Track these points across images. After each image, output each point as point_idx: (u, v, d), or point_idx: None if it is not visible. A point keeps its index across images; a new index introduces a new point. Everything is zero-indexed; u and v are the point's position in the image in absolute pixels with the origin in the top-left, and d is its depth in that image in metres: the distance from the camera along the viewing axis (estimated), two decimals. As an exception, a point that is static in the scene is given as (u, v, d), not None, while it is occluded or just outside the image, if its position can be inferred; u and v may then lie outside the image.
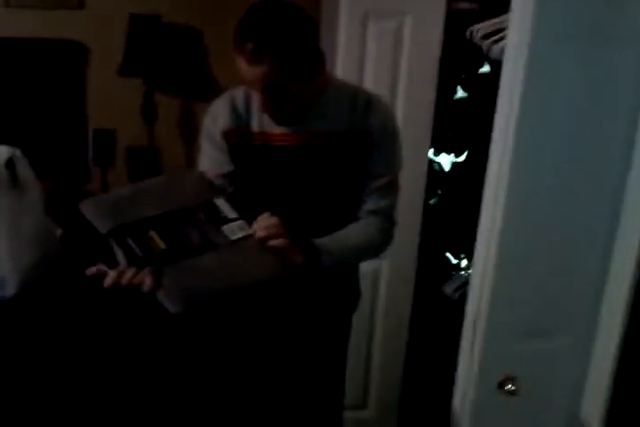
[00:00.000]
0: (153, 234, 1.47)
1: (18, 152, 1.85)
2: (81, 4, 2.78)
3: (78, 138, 2.83)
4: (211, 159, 1.79)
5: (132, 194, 1.58)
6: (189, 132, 2.86)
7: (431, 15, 2.32)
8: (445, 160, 2.67)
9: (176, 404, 1.95)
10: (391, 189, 1.79)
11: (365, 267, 1.98)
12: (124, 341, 1.89)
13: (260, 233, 1.53)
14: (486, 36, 2.21)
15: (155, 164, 2.93)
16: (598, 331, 1.61)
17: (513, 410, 1.58)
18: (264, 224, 1.55)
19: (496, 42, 2.15)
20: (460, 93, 2.56)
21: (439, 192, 2.70)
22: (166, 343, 1.93)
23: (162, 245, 1.46)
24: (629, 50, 1.42)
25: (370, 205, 1.76)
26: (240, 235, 1.52)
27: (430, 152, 2.53)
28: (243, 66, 1.58)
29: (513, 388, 1.52)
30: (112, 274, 1.41)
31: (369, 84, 2.28)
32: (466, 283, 2.18)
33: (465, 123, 2.52)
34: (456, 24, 2.37)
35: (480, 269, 1.57)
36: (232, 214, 1.55)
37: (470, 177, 2.42)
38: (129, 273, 1.41)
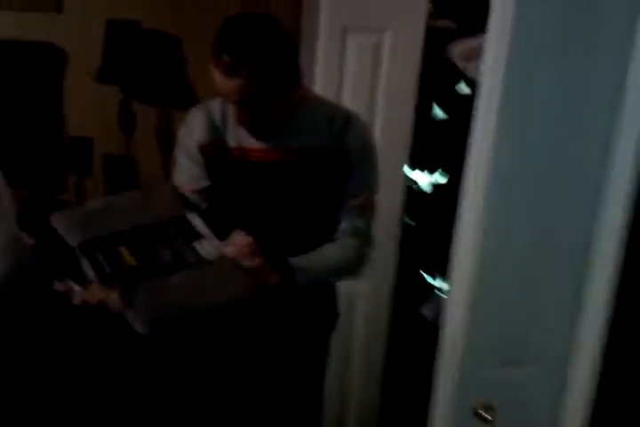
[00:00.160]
0: (123, 249, 1.45)
1: (-11, 160, 1.83)
2: (59, 8, 2.75)
3: (54, 145, 2.80)
4: (186, 173, 1.77)
5: (103, 207, 1.57)
6: (167, 142, 2.84)
7: (411, 32, 2.33)
8: (423, 179, 2.68)
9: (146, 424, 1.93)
10: (368, 209, 1.78)
11: (342, 286, 1.97)
12: (95, 355, 1.87)
13: (232, 252, 1.52)
14: (463, 55, 2.22)
15: (132, 173, 2.90)
16: (573, 359, 1.61)
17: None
18: (236, 243, 1.54)
19: (472, 61, 2.16)
20: (438, 112, 2.57)
21: (417, 212, 2.70)
22: (137, 361, 1.91)
23: (131, 261, 1.45)
24: (606, 64, 1.43)
25: (346, 224, 1.75)
26: (212, 252, 1.51)
27: (407, 169, 2.54)
28: (218, 78, 1.57)
29: (490, 417, 1.50)
30: (79, 293, 1.39)
31: (347, 99, 2.28)
32: (442, 304, 2.18)
33: (442, 141, 2.53)
34: (435, 42, 2.38)
35: (454, 296, 1.58)
36: (204, 231, 1.54)
37: (449, 197, 2.42)
38: (97, 292, 1.39)
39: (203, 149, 1.74)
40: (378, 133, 2.19)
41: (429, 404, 1.69)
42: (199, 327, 1.71)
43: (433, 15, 2.44)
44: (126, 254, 1.45)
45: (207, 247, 1.52)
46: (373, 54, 2.32)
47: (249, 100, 1.58)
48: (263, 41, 1.56)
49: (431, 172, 2.62)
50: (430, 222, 2.66)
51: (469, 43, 2.23)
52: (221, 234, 1.55)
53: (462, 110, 2.38)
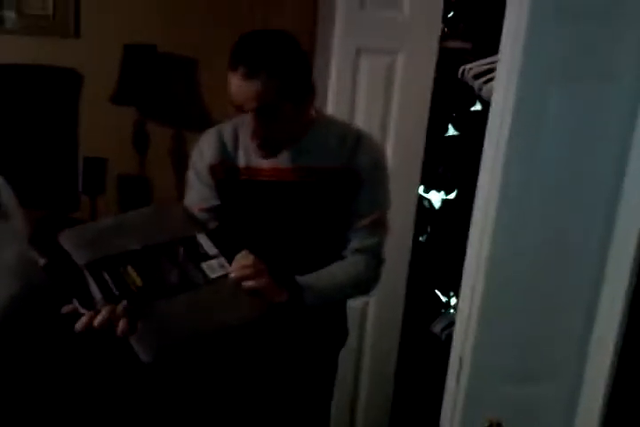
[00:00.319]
0: (130, 269, 1.44)
1: (1, 180, 1.83)
2: (77, 33, 2.79)
3: (69, 166, 2.82)
4: (197, 194, 1.78)
5: (112, 226, 1.56)
6: (181, 162, 2.85)
7: (423, 53, 2.34)
8: (435, 197, 2.67)
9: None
10: (378, 227, 1.77)
11: (353, 304, 1.96)
12: (102, 378, 1.85)
13: (235, 273, 1.50)
14: (477, 76, 2.21)
15: (145, 193, 2.91)
16: (585, 376, 1.58)
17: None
18: (240, 264, 1.51)
19: (487, 82, 2.15)
20: (452, 131, 2.56)
21: (429, 229, 2.69)
22: (144, 381, 1.89)
23: (138, 281, 1.43)
24: (618, 88, 1.40)
25: (356, 243, 1.74)
26: (219, 273, 1.49)
27: (420, 189, 2.53)
28: (236, 84, 1.57)
29: (499, 434, 1.48)
30: (84, 317, 1.37)
31: (360, 119, 2.29)
32: (454, 322, 2.15)
33: (456, 160, 2.52)
34: (449, 62, 2.38)
35: (465, 313, 1.55)
36: (212, 251, 1.52)
37: (460, 214, 2.41)
38: (102, 314, 1.37)
39: (213, 170, 1.75)
40: (390, 152, 2.18)
41: (439, 422, 1.66)
42: (207, 346, 1.69)
43: (447, 36, 2.44)
44: (134, 275, 1.43)
45: (215, 268, 1.50)
46: (386, 75, 2.33)
47: (266, 109, 1.58)
48: (279, 49, 1.59)
49: (447, 193, 2.61)
50: (441, 239, 2.64)
51: (484, 63, 2.22)
52: (230, 254, 1.53)
53: (474, 127, 2.38)
